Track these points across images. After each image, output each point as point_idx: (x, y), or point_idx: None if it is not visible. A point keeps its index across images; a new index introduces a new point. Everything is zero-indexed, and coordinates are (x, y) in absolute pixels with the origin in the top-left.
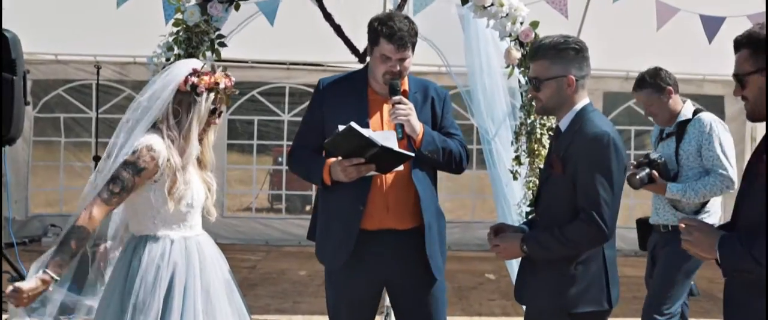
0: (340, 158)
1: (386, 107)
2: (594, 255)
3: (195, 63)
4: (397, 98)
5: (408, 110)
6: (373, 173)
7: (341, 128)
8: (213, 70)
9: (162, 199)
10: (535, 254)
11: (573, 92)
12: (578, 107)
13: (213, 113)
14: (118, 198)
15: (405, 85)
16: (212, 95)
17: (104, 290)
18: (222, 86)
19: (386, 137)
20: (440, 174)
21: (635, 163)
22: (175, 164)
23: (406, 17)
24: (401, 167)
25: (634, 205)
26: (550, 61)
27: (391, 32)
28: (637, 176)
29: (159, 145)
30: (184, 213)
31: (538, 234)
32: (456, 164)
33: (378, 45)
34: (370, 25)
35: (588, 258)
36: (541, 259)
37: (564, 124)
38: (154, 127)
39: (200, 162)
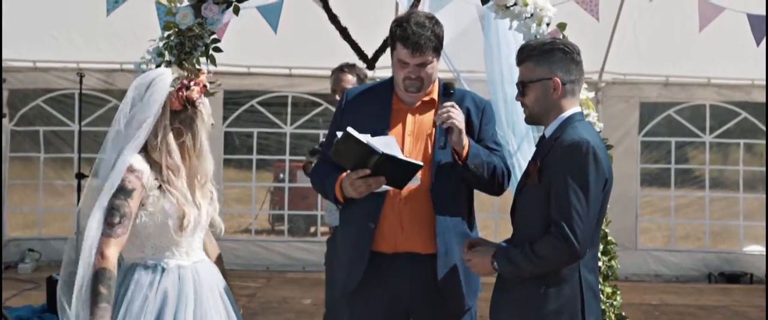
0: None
1: (410, 117)
2: (568, 277)
3: (165, 75)
4: (449, 103)
5: (458, 114)
6: (386, 187)
7: (340, 134)
8: (192, 72)
9: (151, 224)
10: (504, 271)
11: (560, 96)
12: (566, 114)
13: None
14: (121, 227)
15: (433, 93)
16: (205, 99)
17: None
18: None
19: (387, 144)
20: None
21: None
22: (169, 183)
23: (430, 17)
24: (418, 181)
25: (675, 226)
26: (534, 63)
27: (405, 35)
28: None
29: (139, 163)
30: (178, 239)
31: (509, 251)
32: (498, 184)
33: (395, 49)
34: (390, 27)
35: (561, 279)
36: (512, 277)
37: (549, 131)
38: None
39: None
